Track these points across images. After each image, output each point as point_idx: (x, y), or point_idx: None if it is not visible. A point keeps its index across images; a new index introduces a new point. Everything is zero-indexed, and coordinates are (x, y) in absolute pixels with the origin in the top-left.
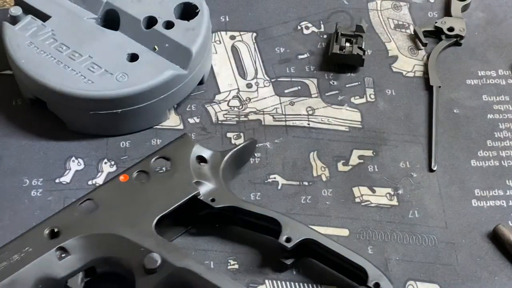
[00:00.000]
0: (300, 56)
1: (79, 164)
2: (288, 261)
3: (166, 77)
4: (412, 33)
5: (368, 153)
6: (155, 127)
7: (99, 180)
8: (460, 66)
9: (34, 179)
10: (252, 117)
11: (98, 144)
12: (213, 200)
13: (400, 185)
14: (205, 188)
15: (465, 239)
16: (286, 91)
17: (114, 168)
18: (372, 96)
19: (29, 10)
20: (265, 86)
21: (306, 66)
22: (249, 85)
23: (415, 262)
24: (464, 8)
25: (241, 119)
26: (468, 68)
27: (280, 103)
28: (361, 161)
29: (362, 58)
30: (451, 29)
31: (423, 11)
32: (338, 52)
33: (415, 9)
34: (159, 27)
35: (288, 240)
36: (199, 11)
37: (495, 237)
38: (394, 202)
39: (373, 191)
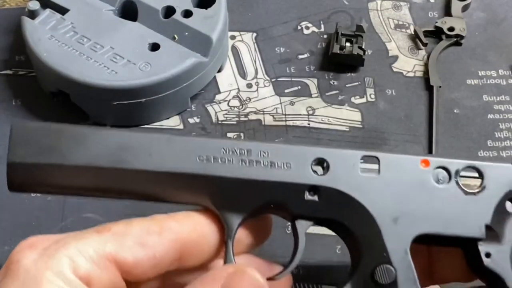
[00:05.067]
0: (300, 56)
1: None
2: None
3: (188, 65)
4: (412, 33)
5: None
6: (154, 127)
7: None
8: (461, 66)
9: None
10: (252, 117)
11: None
12: (488, 255)
13: None
14: (490, 239)
15: None
16: (286, 91)
17: None
18: (373, 96)
19: (46, 4)
20: (265, 86)
21: (306, 66)
22: (249, 85)
23: None
24: (465, 8)
25: (241, 119)
26: (468, 68)
27: (280, 103)
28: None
29: (362, 58)
30: (451, 29)
31: (423, 11)
32: (338, 52)
33: (415, 9)
34: (177, 16)
35: None
36: None
37: None
38: None
39: None
